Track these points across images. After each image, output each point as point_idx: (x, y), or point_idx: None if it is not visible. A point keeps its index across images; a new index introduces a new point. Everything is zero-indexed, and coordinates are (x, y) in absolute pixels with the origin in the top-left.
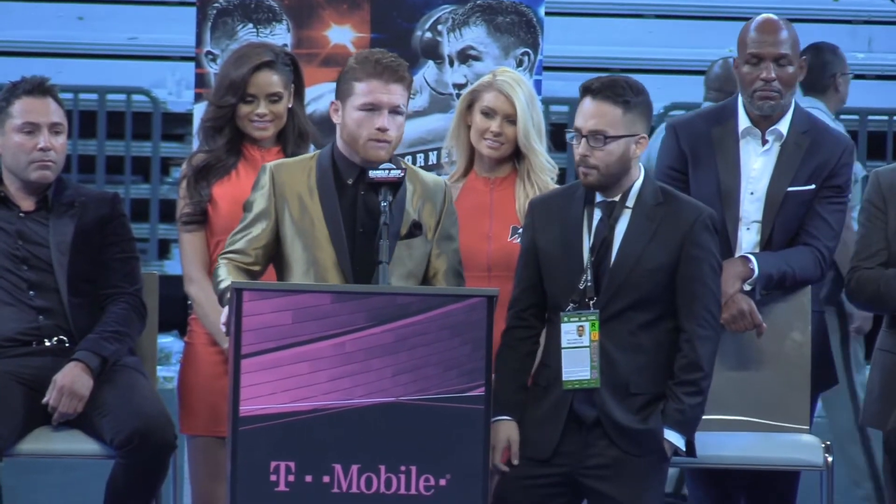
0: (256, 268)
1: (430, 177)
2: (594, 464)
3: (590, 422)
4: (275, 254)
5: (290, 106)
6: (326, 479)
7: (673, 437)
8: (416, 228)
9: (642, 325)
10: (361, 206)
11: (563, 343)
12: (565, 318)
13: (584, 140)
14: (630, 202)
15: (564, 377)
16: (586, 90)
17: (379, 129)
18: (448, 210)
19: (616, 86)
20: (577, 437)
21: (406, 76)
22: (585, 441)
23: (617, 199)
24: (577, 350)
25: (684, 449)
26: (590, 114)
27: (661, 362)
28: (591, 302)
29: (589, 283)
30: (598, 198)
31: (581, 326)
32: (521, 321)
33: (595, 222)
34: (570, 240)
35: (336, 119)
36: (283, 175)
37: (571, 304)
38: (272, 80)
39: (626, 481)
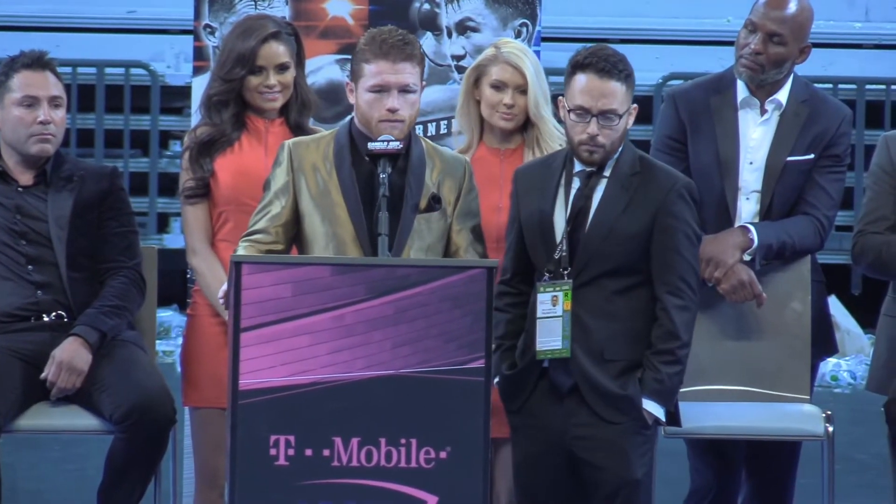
0: (279, 247)
1: (450, 153)
2: (578, 434)
3: (566, 390)
4: (296, 231)
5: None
6: (326, 452)
7: (651, 407)
8: (435, 202)
9: (616, 291)
10: (378, 180)
11: (539, 313)
12: (541, 289)
13: (594, 119)
14: (607, 171)
15: (538, 346)
16: (585, 66)
17: (389, 110)
18: (468, 186)
19: (616, 60)
20: (559, 409)
21: (415, 53)
22: (567, 411)
23: (595, 168)
24: (551, 320)
25: (664, 419)
26: (599, 92)
27: (636, 329)
28: (566, 272)
29: (564, 253)
30: (577, 167)
31: (555, 296)
32: (510, 287)
33: (573, 192)
34: (547, 210)
35: (351, 100)
36: (301, 151)
37: (547, 274)
38: (280, 51)
39: (611, 450)
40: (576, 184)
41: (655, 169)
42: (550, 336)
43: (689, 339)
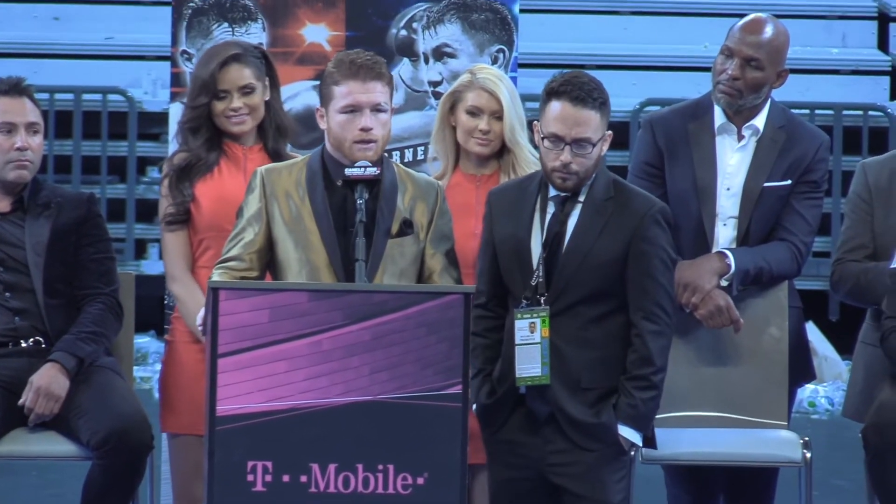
0: (253, 273)
1: (422, 177)
2: (555, 461)
3: (543, 418)
4: (270, 257)
5: (266, 99)
6: (304, 478)
7: (627, 433)
8: (406, 227)
9: (593, 319)
10: (352, 206)
11: (517, 339)
12: (518, 315)
13: (567, 147)
14: (582, 196)
15: (517, 373)
16: (560, 93)
17: (362, 130)
18: (441, 209)
19: (590, 88)
20: (535, 437)
21: (384, 73)
22: (544, 439)
23: (570, 193)
24: (529, 346)
25: (640, 444)
26: (573, 120)
27: (613, 357)
28: (543, 298)
29: (541, 280)
30: (552, 192)
31: (532, 323)
32: (486, 311)
33: (548, 217)
34: (522, 235)
35: (322, 125)
36: (274, 177)
37: (524, 301)
38: (242, 73)
39: (586, 476)
40: (551, 208)
41: (630, 193)
42: (529, 363)
43: (664, 364)
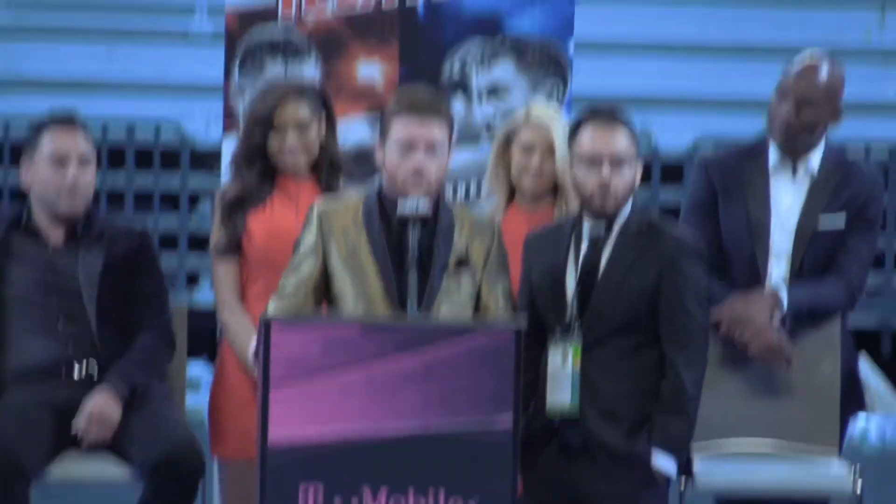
0: (308, 307)
1: (479, 214)
2: (589, 492)
3: (576, 448)
4: (325, 290)
5: (322, 135)
6: (355, 501)
7: (661, 462)
8: (462, 263)
9: (626, 351)
10: (408, 242)
11: (549, 370)
12: (551, 346)
13: (605, 164)
14: (615, 230)
15: (548, 404)
16: (588, 120)
17: (415, 167)
18: (497, 246)
19: (620, 112)
20: (569, 468)
21: (443, 111)
22: (578, 469)
23: (603, 230)
24: (560, 377)
25: (675, 473)
26: (607, 139)
27: (646, 389)
28: (576, 329)
29: (574, 312)
30: (586, 228)
31: (565, 353)
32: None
33: (582, 254)
34: (558, 272)
35: (380, 158)
36: (330, 212)
37: (559, 331)
38: (299, 110)
39: None
40: (584, 246)
41: (662, 227)
42: (560, 393)
43: (697, 393)
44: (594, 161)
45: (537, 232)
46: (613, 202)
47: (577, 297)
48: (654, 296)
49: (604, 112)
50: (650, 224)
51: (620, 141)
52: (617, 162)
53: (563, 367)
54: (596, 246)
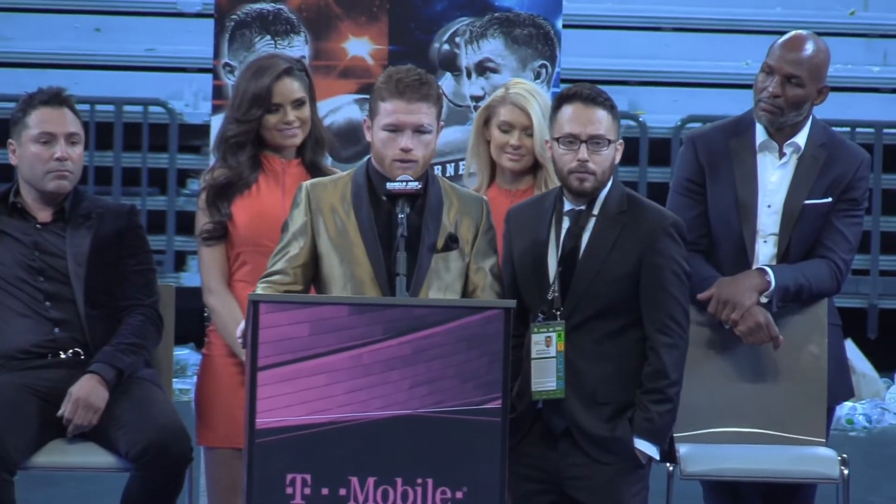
0: (297, 287)
1: (468, 192)
2: (572, 475)
3: (559, 432)
4: (314, 272)
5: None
6: (343, 491)
7: (643, 446)
8: (451, 241)
9: (608, 333)
10: (396, 221)
11: (532, 354)
12: (534, 329)
13: (583, 145)
14: (596, 209)
15: (533, 388)
16: (573, 97)
17: (402, 150)
18: (486, 225)
19: (599, 91)
20: (553, 451)
21: (431, 94)
22: (561, 453)
23: (584, 207)
24: (545, 360)
25: (658, 457)
26: (586, 119)
27: (628, 371)
28: (559, 312)
29: (556, 294)
30: (567, 206)
31: (549, 337)
32: None
33: (563, 232)
34: (539, 251)
35: (368, 137)
36: (319, 191)
37: (540, 315)
38: (294, 87)
39: (603, 490)
40: (566, 223)
41: (643, 207)
42: (545, 377)
43: (679, 377)
44: (573, 141)
45: (518, 206)
46: (592, 182)
47: (559, 278)
48: (636, 277)
49: (583, 92)
50: (630, 202)
51: (600, 121)
52: (596, 142)
53: (546, 349)
54: (577, 225)
